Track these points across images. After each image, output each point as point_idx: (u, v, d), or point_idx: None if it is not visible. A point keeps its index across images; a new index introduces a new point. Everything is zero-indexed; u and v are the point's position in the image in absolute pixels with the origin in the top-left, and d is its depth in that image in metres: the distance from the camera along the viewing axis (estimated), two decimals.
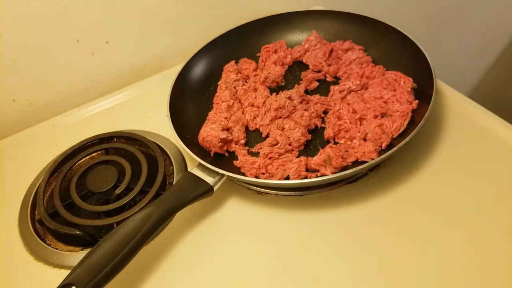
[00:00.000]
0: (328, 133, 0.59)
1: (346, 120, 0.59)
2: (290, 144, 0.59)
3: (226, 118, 0.63)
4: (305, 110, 0.62)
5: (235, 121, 0.63)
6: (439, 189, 0.53)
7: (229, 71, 0.71)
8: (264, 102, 0.65)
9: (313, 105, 0.63)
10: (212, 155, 0.60)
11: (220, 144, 0.59)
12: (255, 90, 0.69)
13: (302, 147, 0.59)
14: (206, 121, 0.63)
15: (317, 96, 0.65)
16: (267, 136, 0.62)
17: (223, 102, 0.66)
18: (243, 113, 0.66)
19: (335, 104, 0.63)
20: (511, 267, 0.45)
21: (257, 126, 0.64)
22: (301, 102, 0.63)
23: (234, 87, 0.70)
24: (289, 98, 0.62)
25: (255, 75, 0.71)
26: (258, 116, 0.64)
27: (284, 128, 0.60)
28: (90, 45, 0.75)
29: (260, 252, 0.51)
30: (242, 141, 0.62)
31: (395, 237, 0.49)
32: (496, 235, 0.48)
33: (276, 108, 0.62)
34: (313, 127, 0.62)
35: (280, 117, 0.62)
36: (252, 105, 0.66)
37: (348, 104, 0.62)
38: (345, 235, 0.51)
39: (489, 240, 0.47)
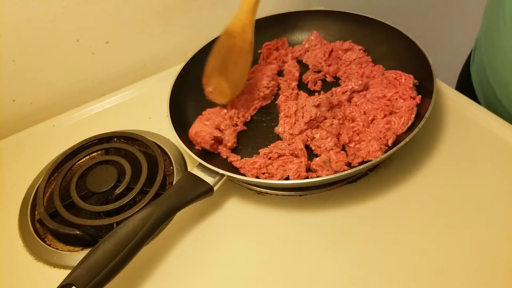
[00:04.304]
0: (343, 139, 0.57)
1: (360, 122, 0.58)
2: (292, 154, 0.57)
3: (221, 118, 0.63)
4: (333, 118, 0.60)
5: (228, 125, 0.62)
6: (439, 189, 0.53)
7: None
8: (295, 112, 0.62)
9: (338, 110, 0.61)
10: (199, 149, 0.59)
11: (212, 141, 0.58)
12: (296, 97, 0.66)
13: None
14: (200, 116, 0.63)
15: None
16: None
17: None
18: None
19: (345, 107, 0.61)
20: (511, 267, 0.45)
21: (285, 134, 0.61)
22: (328, 110, 0.60)
23: None
24: (318, 106, 0.59)
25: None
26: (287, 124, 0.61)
27: (315, 137, 0.58)
28: (90, 45, 0.75)
29: (260, 252, 0.51)
30: (230, 145, 0.60)
31: (395, 237, 0.49)
32: (496, 235, 0.48)
33: (307, 121, 0.59)
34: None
35: (310, 128, 0.60)
36: (287, 117, 0.62)
37: (356, 105, 0.61)
38: (345, 235, 0.51)
39: (489, 240, 0.48)
